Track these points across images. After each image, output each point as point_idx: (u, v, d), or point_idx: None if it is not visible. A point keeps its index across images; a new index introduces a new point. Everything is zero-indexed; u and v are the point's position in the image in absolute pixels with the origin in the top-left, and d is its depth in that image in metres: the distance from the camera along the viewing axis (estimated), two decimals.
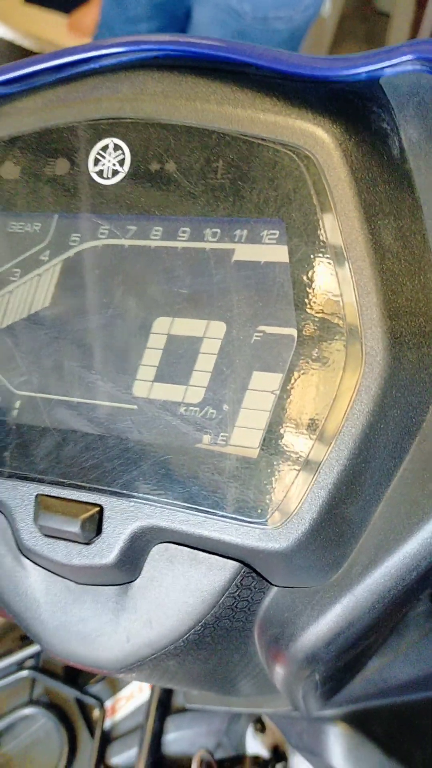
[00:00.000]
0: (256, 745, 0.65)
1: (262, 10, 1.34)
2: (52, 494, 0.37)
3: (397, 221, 0.33)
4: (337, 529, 0.32)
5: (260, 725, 0.65)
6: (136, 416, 0.36)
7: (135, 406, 0.36)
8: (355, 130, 0.33)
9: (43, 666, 0.76)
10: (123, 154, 0.37)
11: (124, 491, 0.35)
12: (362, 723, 0.56)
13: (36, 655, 0.76)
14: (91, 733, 0.73)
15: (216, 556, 0.34)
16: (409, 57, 0.31)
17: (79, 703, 0.75)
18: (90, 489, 0.36)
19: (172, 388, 0.35)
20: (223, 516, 0.33)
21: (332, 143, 0.32)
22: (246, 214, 0.34)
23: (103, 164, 0.37)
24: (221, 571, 0.34)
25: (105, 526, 0.36)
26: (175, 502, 0.34)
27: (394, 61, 0.31)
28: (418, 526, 0.32)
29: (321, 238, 0.32)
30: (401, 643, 0.50)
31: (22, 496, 0.38)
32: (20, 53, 2.75)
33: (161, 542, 0.35)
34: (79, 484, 0.36)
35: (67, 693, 0.75)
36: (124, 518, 0.35)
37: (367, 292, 0.31)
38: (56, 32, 2.73)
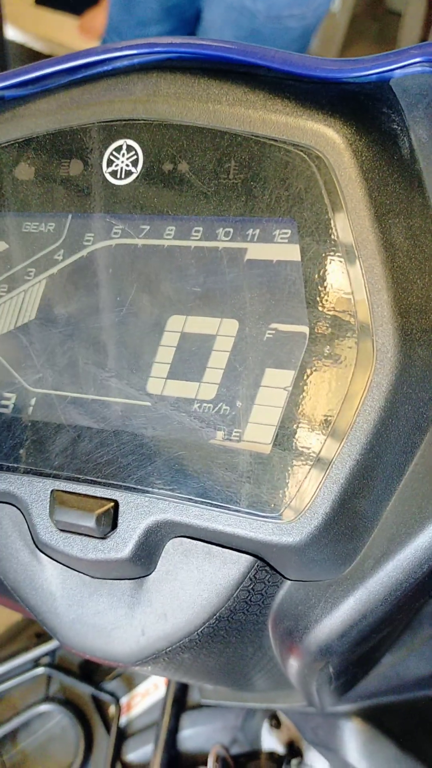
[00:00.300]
0: (271, 741, 0.66)
1: (276, 8, 1.34)
2: (68, 490, 0.37)
3: (408, 220, 0.33)
4: (349, 523, 0.33)
5: (275, 721, 0.66)
6: (150, 413, 0.36)
7: (149, 403, 0.36)
8: (365, 130, 0.33)
9: (59, 663, 0.77)
10: (136, 154, 0.37)
11: (139, 486, 0.36)
12: (377, 719, 0.56)
13: (51, 653, 0.77)
14: (107, 729, 0.73)
15: (230, 550, 0.35)
16: (418, 59, 0.31)
17: (94, 699, 0.75)
18: (105, 484, 0.37)
19: (186, 385, 0.36)
20: (236, 510, 0.33)
21: (343, 144, 0.33)
22: (258, 214, 0.35)
23: (117, 165, 0.38)
24: (235, 565, 0.35)
25: (120, 520, 0.36)
26: (189, 497, 0.35)
27: (404, 63, 0.32)
28: (430, 520, 0.32)
29: (332, 237, 0.33)
30: (415, 639, 0.51)
31: (38, 491, 0.38)
32: (31, 55, 2.76)
33: (176, 536, 0.36)
34: (94, 479, 0.37)
35: (83, 690, 0.75)
36: (139, 513, 0.36)
37: (378, 290, 0.32)
38: (67, 34, 2.74)
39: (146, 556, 0.36)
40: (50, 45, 2.75)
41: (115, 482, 0.36)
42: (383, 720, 0.57)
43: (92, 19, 2.59)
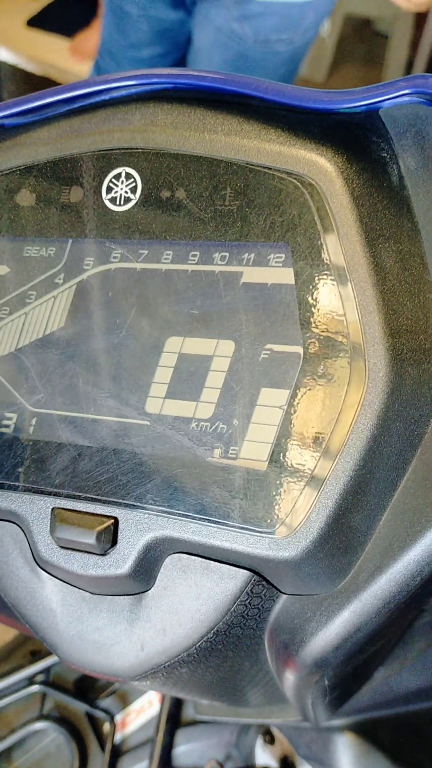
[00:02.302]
0: (265, 757, 0.66)
1: (263, 33, 1.36)
2: (68, 507, 0.38)
3: (397, 244, 0.34)
4: (343, 538, 0.34)
5: (269, 737, 0.66)
6: (148, 432, 0.37)
7: (148, 422, 0.37)
8: (356, 158, 0.35)
9: (54, 681, 0.77)
10: (135, 182, 0.39)
11: (138, 504, 0.37)
12: (370, 732, 0.57)
13: (46, 670, 0.77)
14: (102, 746, 0.73)
15: (227, 566, 0.36)
16: (406, 91, 0.33)
17: (89, 717, 0.75)
18: (105, 502, 0.37)
19: (184, 405, 0.37)
20: (233, 526, 0.34)
21: (334, 171, 0.34)
22: (253, 239, 0.36)
23: (116, 192, 0.39)
24: (232, 579, 0.36)
25: (120, 537, 0.37)
26: (187, 513, 0.35)
27: (393, 95, 0.33)
28: (422, 534, 0.33)
29: (325, 260, 0.34)
30: (408, 653, 0.51)
31: (38, 509, 0.39)
32: (23, 76, 2.78)
33: (174, 552, 0.37)
34: (94, 497, 0.38)
35: (78, 707, 0.75)
36: (138, 530, 0.37)
37: (370, 312, 0.33)
38: (58, 56, 2.76)
39: (145, 572, 0.37)
40: (42, 66, 2.77)
41: (115, 500, 0.37)
42: (376, 734, 0.57)
43: (84, 41, 2.62)
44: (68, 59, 2.70)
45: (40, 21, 3.00)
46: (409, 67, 2.75)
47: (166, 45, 1.53)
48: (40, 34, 2.94)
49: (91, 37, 2.42)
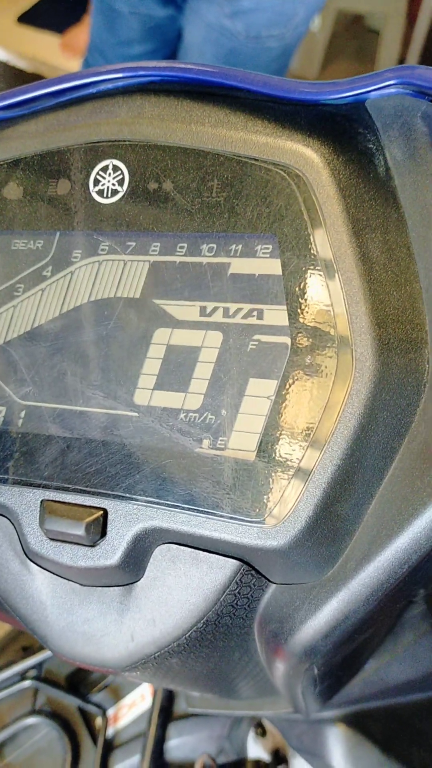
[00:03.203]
0: (257, 749, 0.66)
1: (255, 29, 1.36)
2: (58, 499, 0.38)
3: (384, 235, 0.34)
4: (331, 527, 0.34)
5: (261, 729, 0.67)
6: (137, 423, 0.37)
7: (136, 414, 0.37)
8: (342, 150, 0.35)
9: (46, 676, 0.77)
10: (122, 174, 0.39)
11: (127, 495, 0.37)
12: (361, 724, 0.57)
13: (38, 665, 0.77)
14: (94, 741, 0.74)
15: (216, 555, 0.36)
16: (392, 82, 0.33)
17: (81, 711, 0.76)
18: (94, 493, 0.38)
19: (172, 396, 0.37)
20: (222, 516, 0.35)
21: (321, 162, 0.34)
22: (240, 230, 0.36)
23: (103, 184, 0.39)
24: (222, 569, 0.36)
25: (109, 528, 0.37)
26: (176, 504, 0.36)
27: (379, 85, 0.33)
28: (409, 522, 0.33)
29: (312, 251, 0.34)
30: (398, 644, 0.51)
31: (28, 501, 0.39)
32: (13, 73, 2.78)
33: (164, 543, 0.37)
34: (83, 488, 0.38)
35: (70, 702, 0.76)
36: (127, 521, 0.37)
37: (356, 302, 0.33)
38: (49, 52, 2.76)
39: (135, 562, 0.37)
40: (33, 63, 2.77)
41: (104, 491, 0.37)
42: (367, 725, 0.58)
43: (74, 38, 2.61)
44: (59, 56, 2.70)
45: (30, 17, 2.99)
46: (401, 62, 2.75)
47: (156, 42, 1.53)
48: (30, 31, 2.93)
49: (82, 33, 2.42)
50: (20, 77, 2.74)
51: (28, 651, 0.79)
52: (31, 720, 0.75)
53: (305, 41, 1.56)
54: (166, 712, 0.71)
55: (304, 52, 2.76)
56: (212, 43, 1.41)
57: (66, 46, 2.67)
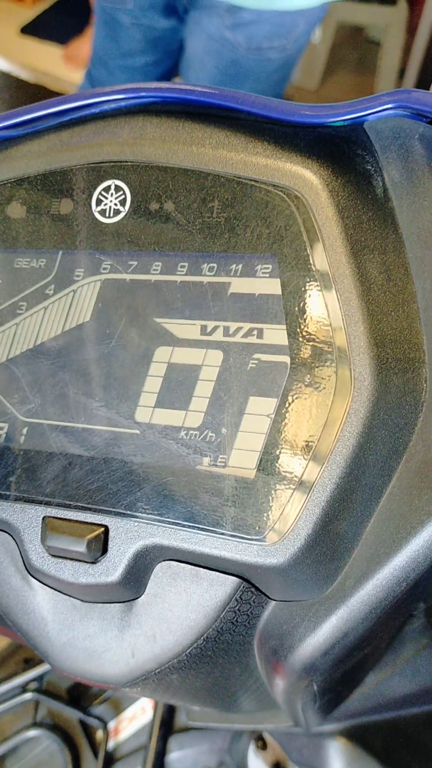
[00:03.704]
0: (257, 763, 0.66)
1: (256, 40, 1.37)
2: (59, 516, 0.38)
3: (382, 256, 0.35)
4: (330, 545, 0.34)
5: (261, 742, 0.67)
6: (138, 440, 0.38)
7: (137, 431, 0.38)
8: (341, 171, 0.35)
9: (47, 688, 0.77)
10: (124, 194, 0.39)
11: (128, 512, 0.37)
12: (361, 737, 0.57)
13: (39, 678, 0.77)
14: (95, 754, 0.73)
15: (217, 573, 0.36)
16: (390, 105, 0.33)
17: (82, 724, 0.76)
18: (95, 510, 0.38)
19: (173, 414, 0.37)
20: (222, 534, 0.35)
21: (320, 184, 0.35)
22: (241, 250, 0.36)
23: (105, 204, 0.40)
24: (222, 586, 0.36)
25: (110, 545, 0.37)
26: (177, 521, 0.36)
27: (377, 108, 0.34)
28: (407, 540, 0.33)
29: (311, 271, 0.35)
30: (398, 658, 0.52)
31: (30, 518, 0.39)
32: (16, 84, 2.79)
33: (164, 560, 0.37)
34: (84, 505, 0.38)
35: (71, 715, 0.76)
36: (128, 538, 0.37)
37: (355, 322, 0.33)
38: (52, 63, 2.78)
39: (136, 579, 0.38)
40: (36, 74, 2.78)
41: (105, 508, 0.38)
42: (367, 739, 0.58)
43: (77, 49, 2.63)
44: (62, 67, 2.71)
45: (33, 29, 3.01)
46: (401, 74, 2.77)
47: (158, 53, 1.53)
48: (33, 42, 2.95)
49: (85, 44, 2.43)
50: (23, 88, 2.76)
51: (29, 663, 0.79)
52: (33, 732, 0.75)
53: (306, 52, 1.57)
54: (166, 725, 0.71)
55: (305, 64, 2.77)
56: (213, 55, 1.42)
57: (69, 58, 2.69)
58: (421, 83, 2.58)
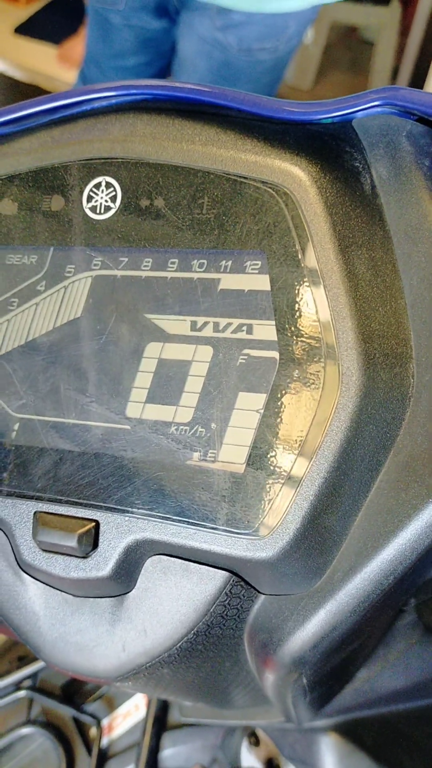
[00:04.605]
0: (250, 759, 0.66)
1: (247, 42, 1.37)
2: (50, 511, 0.39)
3: (370, 252, 0.35)
4: (319, 538, 0.35)
5: (254, 739, 0.67)
6: (129, 436, 0.38)
7: (128, 426, 0.38)
8: (329, 168, 0.35)
9: (41, 686, 0.77)
10: (115, 191, 0.39)
11: (119, 507, 0.37)
12: (353, 733, 0.58)
13: (33, 675, 0.77)
14: (89, 751, 0.74)
15: (207, 567, 0.36)
16: (377, 102, 0.34)
17: (76, 721, 0.76)
18: (86, 505, 0.38)
19: (163, 409, 0.37)
20: (212, 528, 0.35)
21: (308, 181, 0.35)
22: (230, 246, 0.37)
23: (96, 201, 0.40)
24: (212, 580, 0.36)
25: (101, 540, 0.38)
26: (167, 516, 0.36)
27: (364, 106, 0.34)
28: (394, 534, 0.34)
29: (300, 267, 0.35)
30: (389, 653, 0.52)
31: (21, 513, 0.40)
32: (10, 84, 2.79)
33: (155, 554, 0.37)
34: (75, 500, 0.38)
35: (65, 712, 0.76)
36: (119, 532, 0.37)
37: (343, 317, 0.34)
38: (46, 63, 2.78)
39: (126, 574, 0.38)
40: (30, 73, 2.78)
41: (96, 503, 0.38)
42: (359, 734, 0.58)
43: (71, 49, 2.63)
44: (56, 66, 2.71)
45: (27, 29, 3.01)
46: (394, 74, 2.77)
47: (151, 54, 1.54)
48: (27, 42, 2.95)
49: (78, 44, 2.43)
50: (17, 88, 2.76)
51: (23, 661, 0.79)
52: (26, 730, 0.75)
53: (299, 53, 1.57)
54: (160, 722, 0.71)
55: (299, 64, 2.78)
56: (205, 56, 1.42)
57: (63, 57, 2.69)
58: (414, 83, 2.59)
